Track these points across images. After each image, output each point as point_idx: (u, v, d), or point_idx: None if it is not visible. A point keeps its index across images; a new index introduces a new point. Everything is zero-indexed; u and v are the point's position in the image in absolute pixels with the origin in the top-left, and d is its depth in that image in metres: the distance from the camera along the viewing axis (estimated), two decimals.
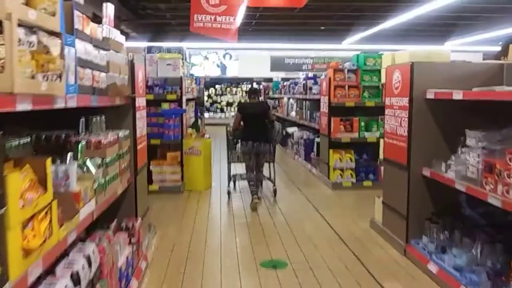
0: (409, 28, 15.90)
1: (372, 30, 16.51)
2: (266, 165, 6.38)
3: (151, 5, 13.53)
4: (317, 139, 8.26)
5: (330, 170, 6.95)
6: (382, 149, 4.72)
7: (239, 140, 6.09)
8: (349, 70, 6.92)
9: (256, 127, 5.94)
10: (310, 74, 10.75)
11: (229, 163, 6.51)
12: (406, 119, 3.96)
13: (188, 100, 9.66)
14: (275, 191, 6.32)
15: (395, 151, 4.21)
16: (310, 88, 8.83)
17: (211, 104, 21.18)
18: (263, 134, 5.93)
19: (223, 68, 20.99)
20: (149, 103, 6.62)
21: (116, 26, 3.28)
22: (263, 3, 6.23)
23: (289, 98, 11.48)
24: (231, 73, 20.96)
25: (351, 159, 6.85)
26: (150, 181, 6.47)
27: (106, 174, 2.85)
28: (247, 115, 5.99)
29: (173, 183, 6.52)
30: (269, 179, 6.46)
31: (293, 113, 10.75)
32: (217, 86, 21.43)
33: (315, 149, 8.35)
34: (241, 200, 6.26)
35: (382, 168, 7.03)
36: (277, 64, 20.83)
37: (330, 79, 6.90)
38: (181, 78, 6.66)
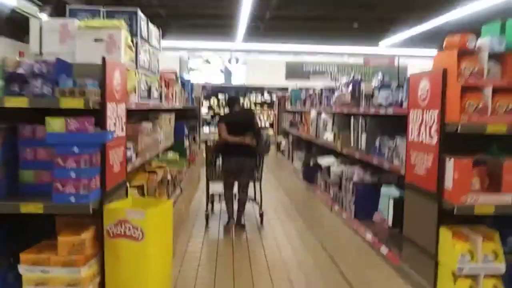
0: (469, 27, 12.12)
1: (420, 28, 12.75)
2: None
3: None
4: (387, 190, 4.39)
5: (440, 272, 3.08)
6: None
7: (220, 156, 5.55)
8: (490, 56, 3.06)
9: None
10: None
11: (207, 182, 5.89)
12: None
13: (161, 111, 5.91)
14: (261, 216, 5.65)
15: None
16: (371, 97, 5.01)
17: (212, 116, 17.30)
18: (248, 148, 5.38)
19: (228, 74, 17.27)
20: (20, 115, 2.75)
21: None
22: None
23: (319, 113, 7.65)
24: (237, 80, 17.23)
25: (496, 254, 2.97)
26: None
27: None
28: (229, 127, 5.44)
29: None
30: (254, 200, 5.88)
31: (327, 136, 6.91)
32: (220, 95, 17.58)
33: (383, 207, 4.49)
34: None
35: None
36: (293, 70, 17.08)
37: (445, 73, 3.06)
38: (103, 63, 2.83)
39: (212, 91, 17.30)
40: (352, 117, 5.62)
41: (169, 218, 3.03)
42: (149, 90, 4.51)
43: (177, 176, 6.81)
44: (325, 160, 6.70)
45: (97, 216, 2.82)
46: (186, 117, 9.44)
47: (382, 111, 4.54)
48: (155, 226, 2.80)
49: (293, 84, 15.50)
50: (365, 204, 4.99)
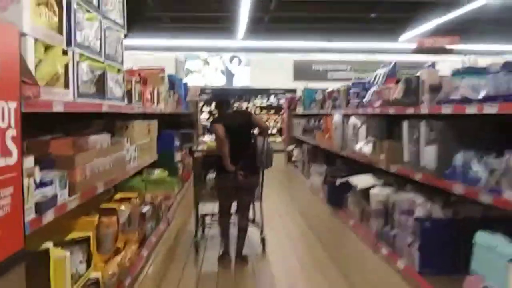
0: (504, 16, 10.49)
1: (447, 17, 11.15)
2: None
3: None
4: (493, 241, 2.67)
5: None
6: None
7: (211, 171, 4.66)
8: None
9: (238, 149, 4.37)
10: None
11: (196, 202, 4.88)
12: None
13: (134, 116, 4.26)
14: (263, 241, 4.73)
15: None
16: (438, 89, 3.35)
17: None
18: (248, 158, 4.36)
19: (230, 76, 15.65)
20: None
21: None
22: None
23: (347, 116, 5.96)
24: (240, 82, 15.61)
25: None
26: None
27: None
28: (226, 130, 4.43)
29: None
30: (253, 222, 4.83)
31: (361, 146, 5.21)
32: None
33: (487, 269, 2.77)
34: None
35: None
36: (302, 70, 15.42)
37: None
38: None
39: (213, 95, 15.65)
40: (406, 120, 3.94)
41: None
42: (100, 83, 2.85)
43: (162, 204, 5.16)
44: (360, 180, 5.00)
45: None
46: (179, 125, 7.81)
47: (469, 110, 2.86)
48: None
49: (302, 86, 13.90)
50: (437, 252, 3.31)
